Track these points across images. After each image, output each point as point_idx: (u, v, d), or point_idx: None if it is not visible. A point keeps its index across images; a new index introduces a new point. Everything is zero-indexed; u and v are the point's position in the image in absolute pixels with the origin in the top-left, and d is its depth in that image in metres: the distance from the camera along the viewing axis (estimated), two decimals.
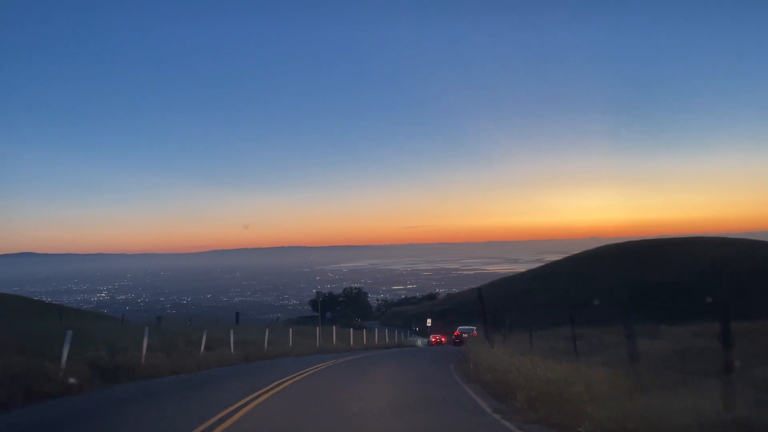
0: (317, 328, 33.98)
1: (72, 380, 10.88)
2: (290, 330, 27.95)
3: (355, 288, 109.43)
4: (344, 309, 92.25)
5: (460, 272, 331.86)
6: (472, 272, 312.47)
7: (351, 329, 36.85)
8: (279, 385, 11.98)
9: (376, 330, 40.58)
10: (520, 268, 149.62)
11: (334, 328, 34.31)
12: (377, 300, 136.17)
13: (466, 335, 44.45)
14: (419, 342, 58.19)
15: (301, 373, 14.41)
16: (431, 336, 54.88)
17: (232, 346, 20.22)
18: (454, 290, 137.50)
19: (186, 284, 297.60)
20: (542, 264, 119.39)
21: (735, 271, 67.13)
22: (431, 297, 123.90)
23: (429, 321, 70.56)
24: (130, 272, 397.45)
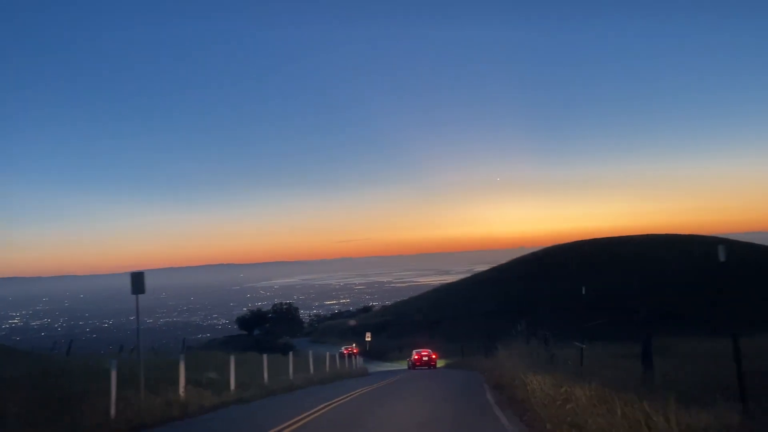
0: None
1: None
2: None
3: (285, 304, 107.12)
4: (273, 326, 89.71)
5: (393, 285, 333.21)
6: (404, 285, 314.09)
7: (264, 356, 21.17)
8: None
9: (310, 356, 27.15)
10: (451, 279, 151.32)
11: (232, 358, 17.76)
12: (309, 315, 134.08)
13: (426, 357, 40.13)
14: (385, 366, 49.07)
15: None
16: (414, 353, 42.34)
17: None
18: (387, 303, 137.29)
19: (108, 306, 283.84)
20: (473, 273, 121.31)
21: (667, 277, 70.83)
22: (366, 310, 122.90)
23: (368, 335, 64.95)
24: (46, 296, 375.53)
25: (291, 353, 25.55)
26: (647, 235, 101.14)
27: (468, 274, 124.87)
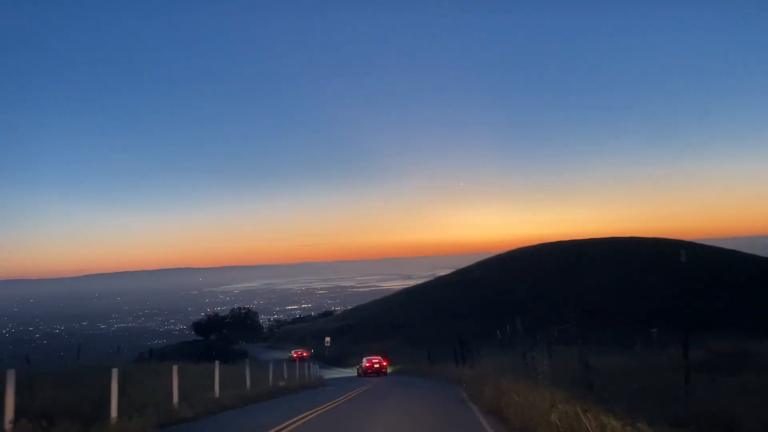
0: None
1: None
2: None
3: (244, 308, 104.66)
4: (231, 332, 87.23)
5: (355, 290, 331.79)
6: (367, 289, 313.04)
7: (175, 367, 14.98)
8: None
9: (247, 366, 20.72)
10: (413, 283, 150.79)
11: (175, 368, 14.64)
12: (269, 320, 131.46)
13: (377, 364, 39.34)
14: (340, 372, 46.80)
15: None
16: (365, 360, 41.18)
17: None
18: (349, 307, 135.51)
19: (60, 311, 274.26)
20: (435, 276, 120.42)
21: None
22: (327, 314, 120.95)
23: (328, 340, 62.36)
24: None
25: (217, 363, 16.81)
26: (615, 238, 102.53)
27: (432, 278, 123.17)
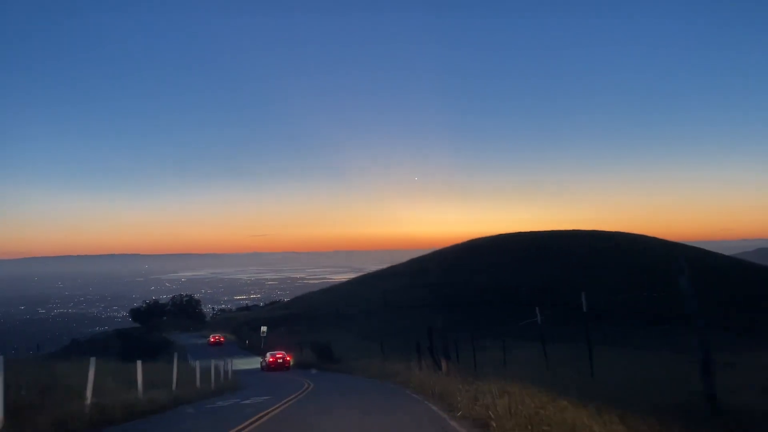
0: None
1: None
2: None
3: (186, 296, 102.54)
4: (171, 319, 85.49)
5: (306, 281, 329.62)
6: (318, 281, 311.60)
7: None
8: None
9: (139, 368, 13.82)
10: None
11: None
12: (213, 309, 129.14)
13: (281, 359, 39.69)
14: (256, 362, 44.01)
15: None
16: (269, 355, 40.53)
17: None
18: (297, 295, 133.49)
19: None
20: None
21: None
22: (274, 303, 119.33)
23: (264, 329, 56.91)
24: None
25: (93, 360, 11.18)
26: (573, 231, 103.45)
27: (386, 267, 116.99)
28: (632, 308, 51.55)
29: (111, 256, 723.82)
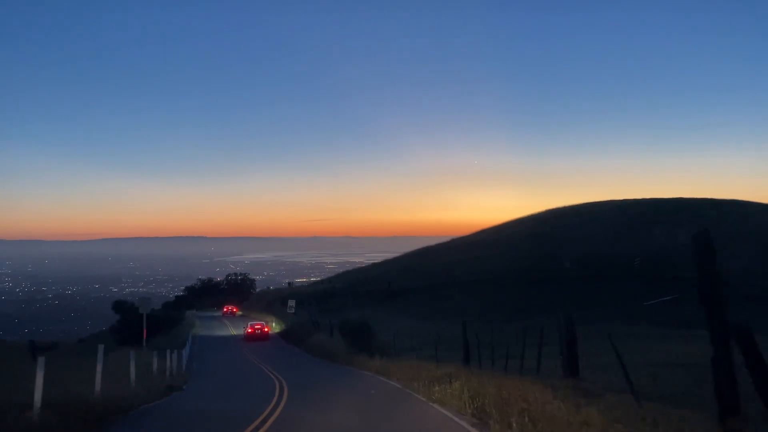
0: None
1: None
2: None
3: (240, 275, 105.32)
4: (225, 297, 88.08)
5: (364, 265, 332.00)
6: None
7: None
8: None
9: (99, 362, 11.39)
10: None
11: None
12: (270, 289, 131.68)
13: (260, 330, 42.28)
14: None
15: None
16: (248, 325, 43.64)
17: None
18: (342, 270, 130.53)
19: (73, 273, 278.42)
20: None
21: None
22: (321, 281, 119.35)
23: (291, 303, 51.23)
24: (10, 260, 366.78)
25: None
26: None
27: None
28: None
29: (180, 238, 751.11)
